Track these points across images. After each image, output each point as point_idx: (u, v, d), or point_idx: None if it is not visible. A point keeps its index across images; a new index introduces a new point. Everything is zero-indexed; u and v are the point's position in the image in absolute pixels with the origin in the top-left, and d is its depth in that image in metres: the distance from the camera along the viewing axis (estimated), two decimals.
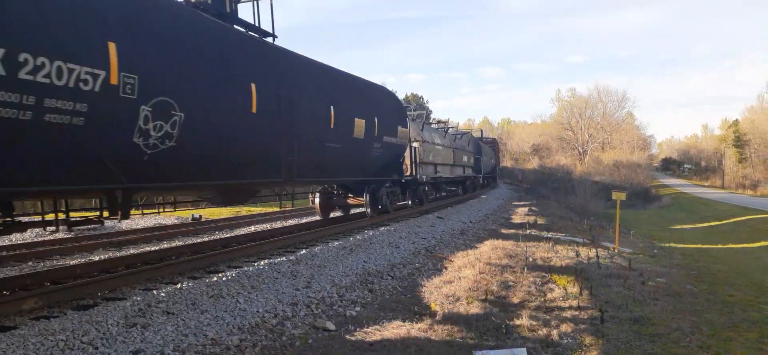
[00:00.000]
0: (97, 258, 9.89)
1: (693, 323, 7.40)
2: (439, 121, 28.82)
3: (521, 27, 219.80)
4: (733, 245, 19.35)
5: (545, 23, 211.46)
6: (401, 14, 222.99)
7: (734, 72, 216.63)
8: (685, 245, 17.65)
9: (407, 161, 17.71)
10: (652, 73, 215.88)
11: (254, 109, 9.08)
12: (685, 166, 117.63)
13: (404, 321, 6.74)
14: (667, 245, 17.37)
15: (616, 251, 15.13)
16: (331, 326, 6.47)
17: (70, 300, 6.39)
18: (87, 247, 11.07)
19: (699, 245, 18.22)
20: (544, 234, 17.54)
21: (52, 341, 5.02)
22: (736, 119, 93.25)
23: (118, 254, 10.28)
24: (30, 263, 9.53)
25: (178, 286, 7.11)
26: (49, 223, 7.99)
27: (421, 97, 74.95)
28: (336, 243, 10.88)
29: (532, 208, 28.95)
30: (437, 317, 6.96)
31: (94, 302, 6.36)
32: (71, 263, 9.39)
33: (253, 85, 9.05)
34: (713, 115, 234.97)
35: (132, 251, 10.69)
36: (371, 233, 12.74)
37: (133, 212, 8.89)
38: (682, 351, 6.29)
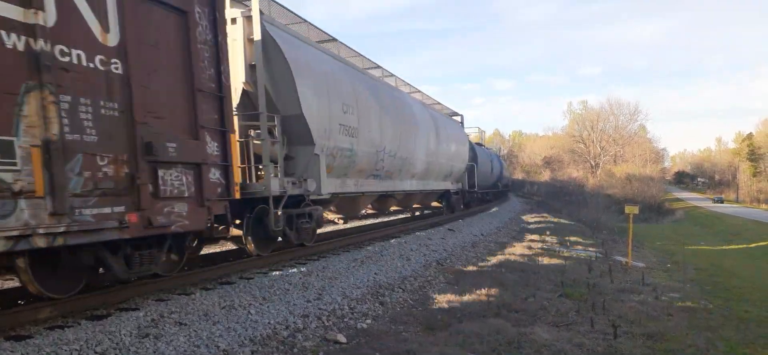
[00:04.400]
0: None
1: (708, 339, 7.32)
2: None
3: (533, 39, 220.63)
4: None
5: (557, 35, 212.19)
6: (416, 26, 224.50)
7: (749, 84, 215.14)
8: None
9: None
10: (665, 85, 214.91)
11: None
12: (699, 179, 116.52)
13: (416, 335, 6.71)
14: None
15: (629, 265, 15.03)
16: (342, 338, 6.46)
17: (84, 310, 6.44)
18: None
19: None
20: (557, 248, 17.45)
21: (66, 350, 5.07)
22: (751, 133, 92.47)
23: None
24: None
25: (191, 297, 7.15)
26: None
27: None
28: (347, 255, 10.89)
29: (544, 221, 28.82)
30: (449, 331, 6.93)
31: (107, 313, 6.41)
32: None
33: None
34: (727, 128, 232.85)
35: None
36: (382, 245, 12.74)
37: None
38: None
